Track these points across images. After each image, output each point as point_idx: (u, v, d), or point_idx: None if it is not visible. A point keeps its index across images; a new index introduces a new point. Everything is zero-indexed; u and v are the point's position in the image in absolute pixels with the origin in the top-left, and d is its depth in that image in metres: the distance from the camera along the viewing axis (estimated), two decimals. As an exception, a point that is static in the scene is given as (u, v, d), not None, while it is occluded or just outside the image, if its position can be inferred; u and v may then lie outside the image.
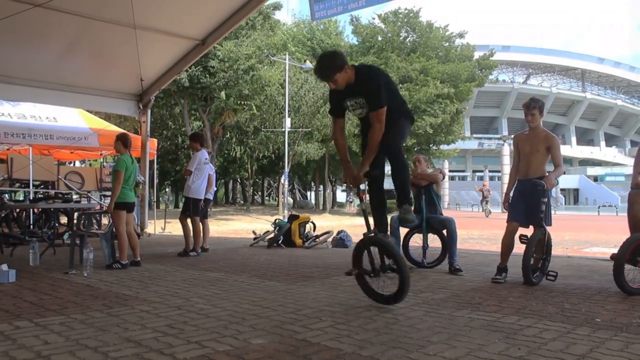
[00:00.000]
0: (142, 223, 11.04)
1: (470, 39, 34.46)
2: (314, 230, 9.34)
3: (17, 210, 9.76)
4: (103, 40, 8.73)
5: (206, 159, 7.71)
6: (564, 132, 76.01)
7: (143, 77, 9.61)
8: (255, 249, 8.63)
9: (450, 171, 53.44)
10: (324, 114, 25.55)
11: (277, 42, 25.48)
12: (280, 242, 8.76)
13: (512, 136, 6.05)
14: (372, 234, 3.85)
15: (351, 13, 30.50)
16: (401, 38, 31.74)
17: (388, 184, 4.13)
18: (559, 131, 71.73)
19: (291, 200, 39.87)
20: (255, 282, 5.00)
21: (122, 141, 6.25)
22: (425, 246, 5.96)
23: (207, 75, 20.44)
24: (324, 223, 17.67)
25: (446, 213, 6.41)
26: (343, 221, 22.24)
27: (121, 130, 10.10)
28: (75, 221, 8.88)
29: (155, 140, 12.30)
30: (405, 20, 31.51)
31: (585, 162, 75.29)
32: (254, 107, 22.52)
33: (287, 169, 26.13)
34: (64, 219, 10.15)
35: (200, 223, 7.64)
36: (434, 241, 6.03)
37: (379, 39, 32.12)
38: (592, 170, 70.42)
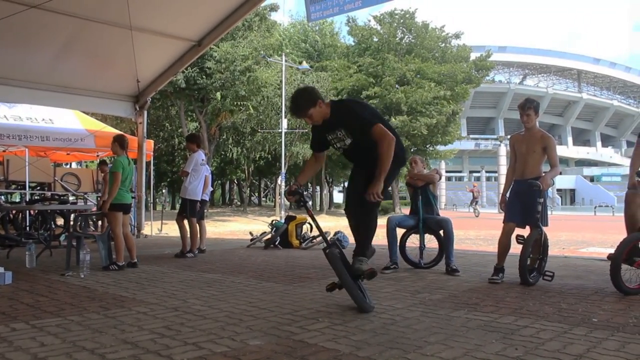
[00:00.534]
0: (139, 224, 11.03)
1: (467, 40, 34.66)
2: (311, 231, 9.34)
3: (14, 212, 9.74)
4: (99, 41, 8.72)
5: (203, 160, 7.71)
6: (560, 132, 76.26)
7: (139, 78, 9.59)
8: (252, 250, 8.62)
9: (446, 172, 53.49)
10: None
11: (274, 43, 25.47)
12: (277, 243, 8.77)
13: (509, 137, 6.06)
14: (326, 250, 3.74)
15: (347, 14, 30.62)
16: (397, 39, 31.77)
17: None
18: (555, 132, 71.94)
19: (287, 202, 39.81)
20: (253, 283, 5.00)
21: (119, 142, 6.24)
22: (422, 247, 5.96)
23: (204, 77, 20.43)
24: (321, 224, 17.60)
25: (443, 214, 6.42)
26: (340, 222, 22.21)
27: (117, 132, 10.10)
28: (71, 223, 8.87)
29: (151, 142, 12.29)
30: (402, 21, 31.54)
31: (582, 163, 75.53)
32: (250, 108, 22.50)
33: (284, 170, 26.12)
34: (60, 221, 10.12)
35: (197, 224, 7.64)
36: (431, 242, 6.04)
37: (375, 40, 32.15)
38: (589, 171, 70.64)
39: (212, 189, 10.14)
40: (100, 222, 9.06)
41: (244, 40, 21.33)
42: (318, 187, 40.98)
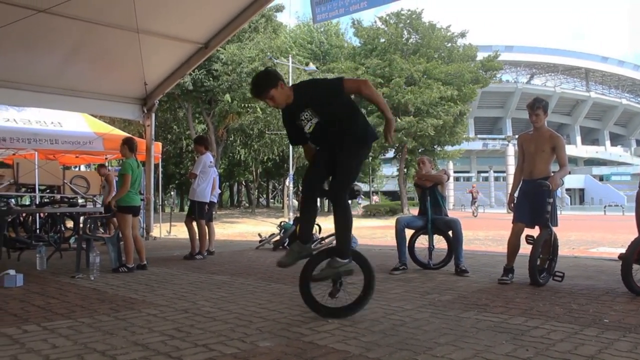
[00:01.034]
0: (148, 226, 11.08)
1: (474, 40, 34.59)
2: (320, 232, 9.33)
3: (24, 214, 9.81)
4: (106, 44, 8.76)
5: (211, 162, 7.74)
6: (569, 131, 75.77)
7: (147, 81, 9.65)
8: (261, 251, 8.63)
9: (454, 172, 53.30)
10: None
11: (280, 45, 25.51)
12: (286, 244, 8.76)
13: (517, 136, 6.03)
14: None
15: (352, 16, 30.58)
16: (404, 39, 31.70)
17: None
18: (564, 131, 71.50)
19: (296, 203, 39.85)
20: (262, 285, 5.01)
21: (128, 145, 6.28)
22: (431, 247, 5.95)
23: (211, 79, 20.51)
24: (329, 225, 17.61)
25: (450, 214, 6.40)
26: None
27: (126, 134, 10.15)
28: (81, 225, 8.92)
29: (159, 144, 12.35)
30: (408, 21, 31.48)
31: (591, 162, 75.00)
32: (258, 109, 22.54)
33: (291, 172, 26.17)
34: (70, 223, 10.20)
35: (206, 226, 7.66)
36: (440, 242, 6.02)
37: (382, 40, 32.10)
38: (598, 170, 70.17)
39: (219, 190, 10.16)
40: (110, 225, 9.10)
41: (250, 42, 21.39)
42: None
